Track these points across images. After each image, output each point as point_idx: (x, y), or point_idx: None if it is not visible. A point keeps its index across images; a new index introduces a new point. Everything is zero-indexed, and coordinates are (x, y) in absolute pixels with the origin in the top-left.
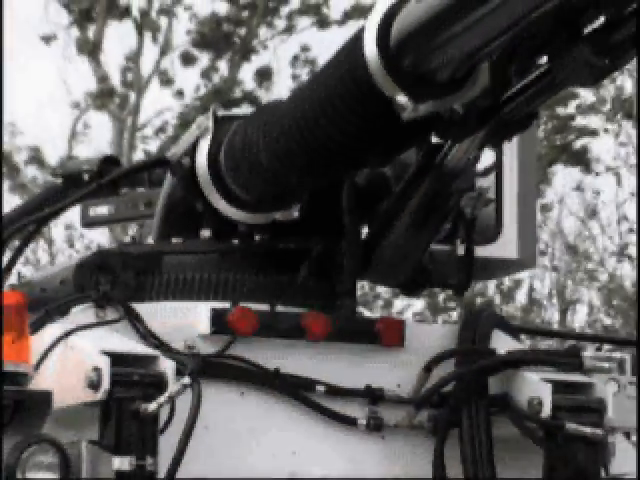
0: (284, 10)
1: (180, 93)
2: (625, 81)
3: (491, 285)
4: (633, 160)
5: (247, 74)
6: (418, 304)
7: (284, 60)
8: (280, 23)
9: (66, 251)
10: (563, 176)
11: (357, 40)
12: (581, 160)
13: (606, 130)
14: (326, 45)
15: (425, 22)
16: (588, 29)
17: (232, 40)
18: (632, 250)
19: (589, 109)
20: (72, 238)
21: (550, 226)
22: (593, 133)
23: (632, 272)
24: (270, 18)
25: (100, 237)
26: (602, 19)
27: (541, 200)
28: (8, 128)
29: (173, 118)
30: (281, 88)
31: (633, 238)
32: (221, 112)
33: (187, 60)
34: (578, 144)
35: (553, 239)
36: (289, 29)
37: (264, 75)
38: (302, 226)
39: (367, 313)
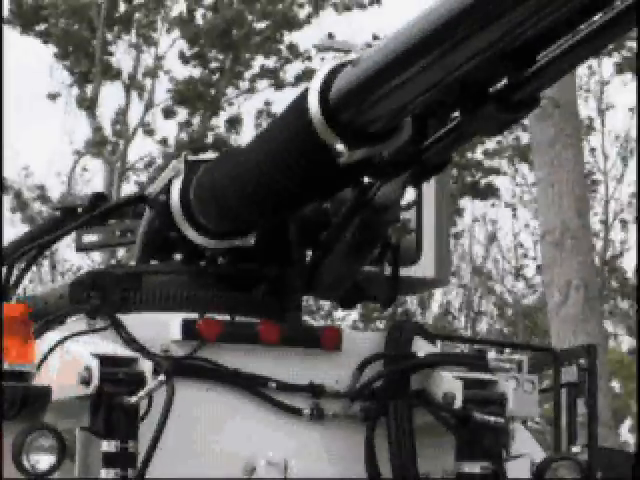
0: (247, 74)
1: (164, 141)
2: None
3: (413, 299)
4: (526, 197)
5: (219, 123)
6: (354, 315)
7: (247, 114)
8: (244, 85)
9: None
10: (471, 209)
11: (303, 98)
12: (486, 195)
13: (505, 173)
14: (282, 103)
15: (358, 84)
16: (493, 89)
17: (205, 98)
18: (526, 271)
19: (494, 153)
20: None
21: (460, 250)
22: (497, 172)
23: (525, 290)
24: (236, 80)
25: (81, 261)
26: (505, 80)
27: (453, 229)
28: (23, 171)
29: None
30: (246, 136)
31: (527, 262)
32: (191, 157)
33: (167, 114)
34: (484, 182)
35: (463, 261)
36: (251, 89)
37: (234, 123)
38: (258, 251)
39: (311, 322)
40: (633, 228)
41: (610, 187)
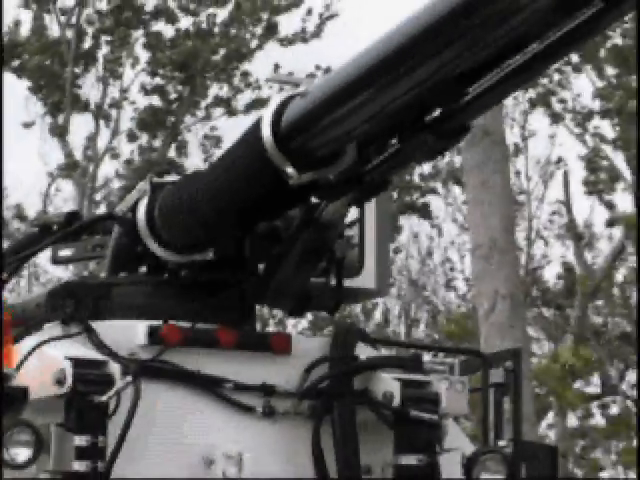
0: (203, 103)
1: (128, 162)
2: (454, 156)
3: (356, 308)
4: (456, 216)
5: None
6: (303, 322)
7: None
8: (200, 113)
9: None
10: (409, 226)
11: (257, 127)
12: (422, 214)
13: (438, 193)
14: (234, 129)
15: (306, 115)
16: (428, 119)
17: (165, 125)
18: (456, 283)
19: (429, 176)
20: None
21: (399, 264)
22: (432, 192)
23: (456, 300)
24: (192, 109)
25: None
26: (438, 111)
27: (392, 244)
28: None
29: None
30: (198, 160)
31: (455, 274)
32: (156, 179)
33: (131, 139)
34: (420, 202)
35: (401, 274)
36: (207, 117)
37: (182, 148)
38: (216, 264)
39: (264, 329)
40: (553, 243)
41: (533, 207)
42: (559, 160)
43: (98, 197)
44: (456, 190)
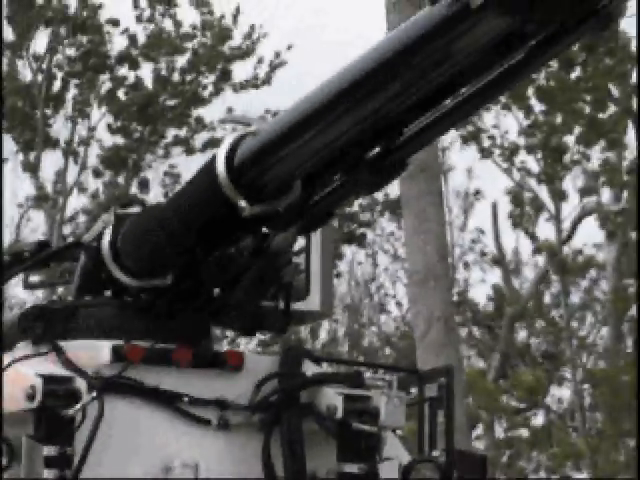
0: (163, 142)
1: (94, 196)
2: (392, 188)
3: (303, 329)
4: (386, 247)
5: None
6: (254, 341)
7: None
8: (160, 151)
9: None
10: (351, 253)
11: (212, 163)
12: (360, 243)
13: (375, 223)
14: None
15: (257, 152)
16: (368, 156)
17: (127, 162)
18: (389, 306)
19: (367, 207)
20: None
21: (344, 289)
22: (368, 225)
23: (392, 322)
24: (153, 148)
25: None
26: (378, 148)
27: (335, 270)
28: None
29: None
30: (159, 195)
31: (388, 299)
32: (119, 211)
33: (97, 175)
34: (359, 232)
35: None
36: (166, 155)
37: (144, 184)
38: (175, 288)
39: (219, 347)
40: (474, 268)
41: (455, 235)
42: (477, 192)
43: (67, 229)
44: (384, 222)
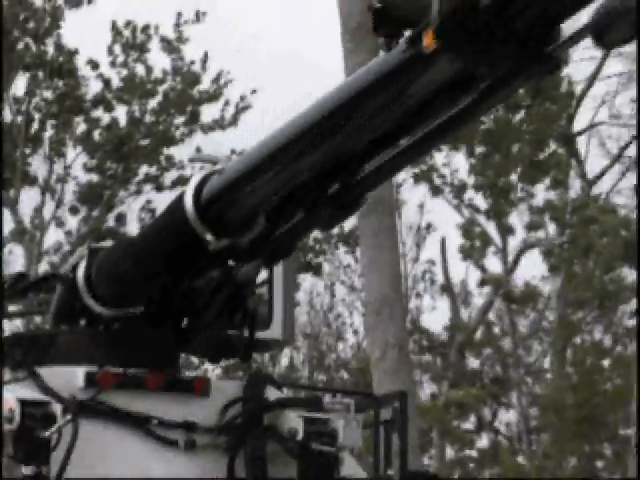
0: (135, 180)
1: (68, 233)
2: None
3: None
4: (343, 278)
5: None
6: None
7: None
8: (133, 187)
9: None
10: (310, 284)
11: (180, 199)
12: (317, 272)
13: (331, 255)
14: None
15: (222, 190)
16: (329, 192)
17: (102, 198)
18: (346, 334)
19: (324, 240)
20: None
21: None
22: (323, 253)
23: (349, 349)
24: (126, 185)
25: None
26: (337, 186)
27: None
28: None
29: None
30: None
31: (345, 328)
32: (93, 245)
33: (73, 211)
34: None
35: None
36: (138, 192)
37: (120, 219)
38: (146, 317)
39: (186, 373)
40: (425, 298)
41: (409, 266)
42: (429, 226)
43: (45, 261)
44: (341, 255)
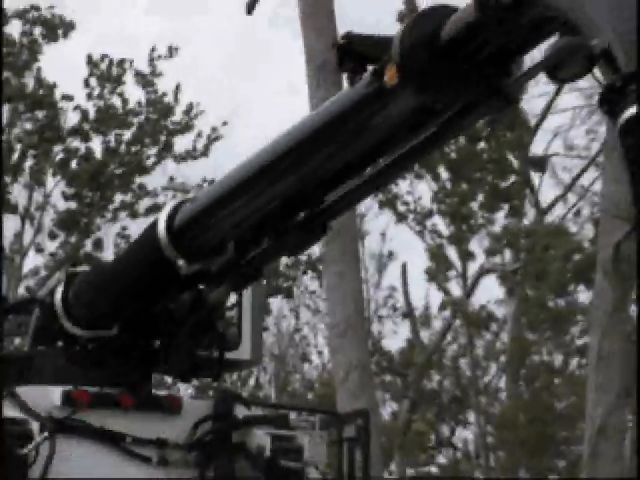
0: (110, 207)
1: (53, 255)
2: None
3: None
4: (308, 302)
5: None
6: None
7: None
8: (108, 214)
9: None
10: (276, 308)
11: (153, 226)
12: (289, 295)
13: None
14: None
15: (194, 217)
16: (295, 220)
17: (79, 225)
18: (312, 356)
19: (292, 265)
20: None
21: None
22: (294, 280)
23: (314, 370)
24: (102, 212)
25: None
26: (303, 214)
27: (264, 323)
28: None
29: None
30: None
31: (310, 349)
32: (70, 269)
33: (52, 236)
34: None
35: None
36: (114, 218)
37: (98, 244)
38: (120, 339)
39: (159, 392)
40: (387, 321)
41: (371, 291)
42: (390, 254)
43: (23, 284)
44: (307, 281)
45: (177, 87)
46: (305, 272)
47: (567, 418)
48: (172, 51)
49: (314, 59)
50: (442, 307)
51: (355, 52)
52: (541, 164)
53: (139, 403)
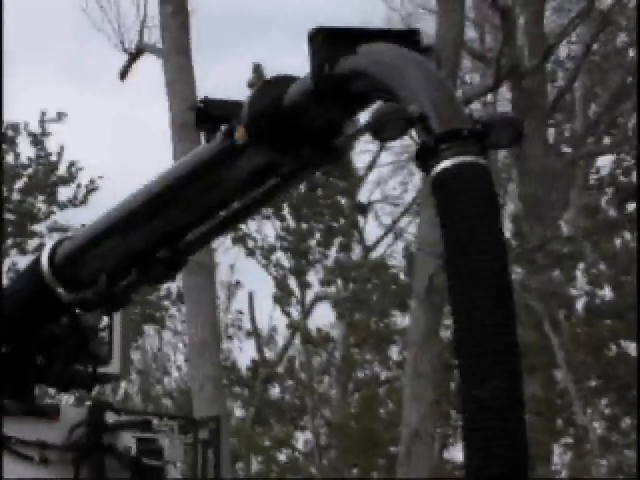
0: (2, 247)
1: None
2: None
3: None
4: (169, 324)
5: None
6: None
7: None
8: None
9: None
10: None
11: (38, 260)
12: (162, 324)
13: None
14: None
15: (71, 252)
16: (159, 255)
17: None
18: (172, 370)
19: (163, 297)
20: None
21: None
22: (166, 310)
23: (174, 382)
24: None
25: None
26: (164, 250)
27: (134, 343)
28: None
29: None
30: None
31: (171, 364)
32: None
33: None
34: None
35: (137, 362)
36: (5, 255)
37: None
38: (8, 357)
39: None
40: (235, 341)
41: (222, 315)
42: (237, 283)
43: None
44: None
45: (61, 147)
46: (175, 302)
47: (389, 423)
48: (60, 116)
49: (177, 120)
50: (289, 327)
51: (210, 114)
52: (364, 209)
53: (23, 410)
